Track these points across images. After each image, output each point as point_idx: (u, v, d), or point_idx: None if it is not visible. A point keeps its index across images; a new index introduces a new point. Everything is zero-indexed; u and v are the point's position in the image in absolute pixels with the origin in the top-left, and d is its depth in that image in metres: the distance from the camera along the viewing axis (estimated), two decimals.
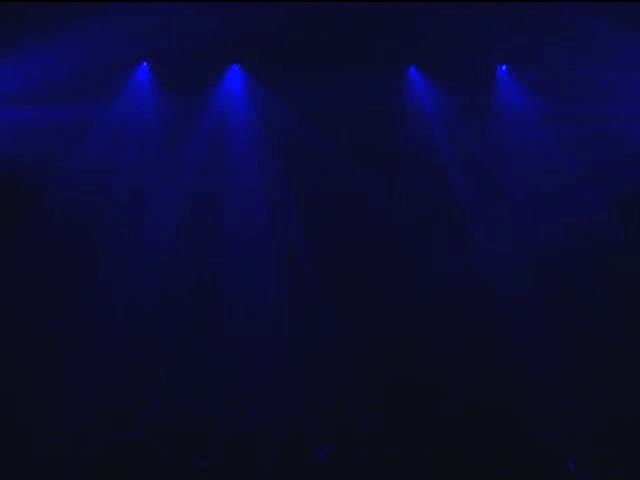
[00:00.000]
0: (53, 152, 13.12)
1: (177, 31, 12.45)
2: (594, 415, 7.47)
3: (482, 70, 14.22)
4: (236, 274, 13.91)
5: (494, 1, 12.06)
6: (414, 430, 6.63)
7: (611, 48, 11.95)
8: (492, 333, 13.33)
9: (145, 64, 14.00)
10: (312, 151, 14.74)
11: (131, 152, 14.08)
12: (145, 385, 10.62)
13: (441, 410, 7.40)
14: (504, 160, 14.29)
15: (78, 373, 11.19)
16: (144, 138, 14.20)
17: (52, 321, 12.56)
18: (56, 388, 9.95)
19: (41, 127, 12.75)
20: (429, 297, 13.35)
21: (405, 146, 14.60)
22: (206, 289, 13.84)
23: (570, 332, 12.81)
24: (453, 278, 13.67)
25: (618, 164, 13.05)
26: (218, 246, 14.16)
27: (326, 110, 14.09)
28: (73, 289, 12.98)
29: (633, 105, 12.80)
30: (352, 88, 13.81)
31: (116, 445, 6.38)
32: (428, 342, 12.84)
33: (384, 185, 14.73)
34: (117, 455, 6.18)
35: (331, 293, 13.90)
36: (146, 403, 9.83)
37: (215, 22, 12.35)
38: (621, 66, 12.24)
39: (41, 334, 12.35)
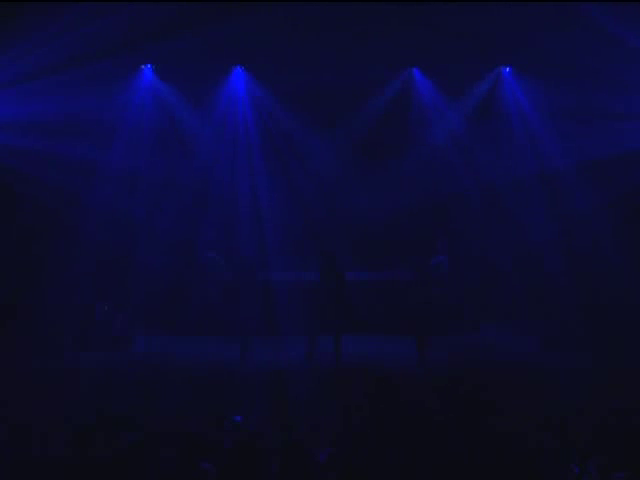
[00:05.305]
0: (55, 151, 13.18)
1: (180, 33, 12.49)
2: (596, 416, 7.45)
3: (485, 72, 14.28)
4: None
5: (498, 2, 12.06)
6: (414, 430, 6.63)
7: (616, 47, 11.91)
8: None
9: (149, 66, 14.05)
10: (315, 151, 14.84)
11: (134, 153, 14.16)
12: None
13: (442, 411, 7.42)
14: (507, 160, 14.31)
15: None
16: (147, 139, 14.27)
17: None
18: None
19: (42, 126, 12.79)
20: None
21: (408, 147, 14.67)
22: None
23: (568, 332, 12.79)
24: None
25: (623, 162, 13.02)
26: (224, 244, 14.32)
27: (328, 111, 14.17)
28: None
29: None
30: (355, 89, 13.88)
31: (119, 447, 6.38)
32: None
33: (387, 183, 14.81)
34: (119, 458, 6.17)
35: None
36: (148, 404, 9.82)
37: (218, 24, 12.38)
38: (626, 65, 12.22)
39: None
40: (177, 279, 14.30)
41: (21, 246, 12.53)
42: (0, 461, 6.23)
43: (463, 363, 11.61)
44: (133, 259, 14.04)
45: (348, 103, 14.29)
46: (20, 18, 11.56)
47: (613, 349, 11.70)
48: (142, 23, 12.13)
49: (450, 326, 13.27)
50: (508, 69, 14.32)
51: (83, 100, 12.87)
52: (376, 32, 12.96)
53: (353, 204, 15.09)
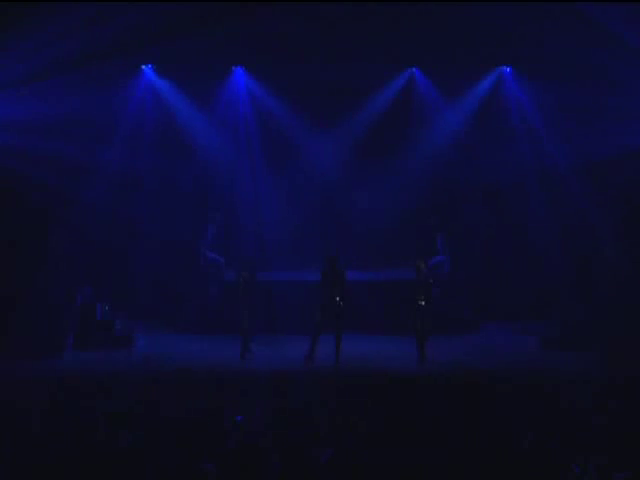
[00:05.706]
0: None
1: (181, 33, 12.50)
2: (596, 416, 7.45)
3: (485, 72, 14.28)
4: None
5: (498, 2, 12.06)
6: (414, 430, 6.63)
7: (616, 47, 11.91)
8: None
9: (150, 66, 14.06)
10: (315, 151, 14.85)
11: (135, 153, 14.18)
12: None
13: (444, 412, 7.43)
14: (508, 160, 14.31)
15: None
16: (147, 139, 14.29)
17: None
18: None
19: (43, 126, 12.80)
20: None
21: (408, 147, 14.69)
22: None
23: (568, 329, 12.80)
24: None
25: (623, 162, 13.02)
26: (227, 240, 14.41)
27: (329, 110, 14.19)
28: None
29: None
30: (355, 88, 13.90)
31: (119, 447, 6.38)
32: None
33: (387, 183, 14.84)
34: (119, 458, 6.16)
35: None
36: (148, 404, 9.82)
37: (218, 24, 12.39)
38: (626, 65, 12.22)
39: None
40: (177, 279, 14.33)
41: (21, 246, 12.53)
42: (0, 461, 6.23)
43: (463, 363, 11.61)
44: (133, 259, 14.08)
45: (348, 103, 14.32)
46: (21, 19, 11.57)
47: (613, 349, 11.70)
48: (143, 23, 12.15)
49: (450, 326, 13.28)
50: (508, 69, 14.33)
51: (84, 100, 12.89)
52: (376, 32, 12.97)
53: (353, 204, 15.10)
